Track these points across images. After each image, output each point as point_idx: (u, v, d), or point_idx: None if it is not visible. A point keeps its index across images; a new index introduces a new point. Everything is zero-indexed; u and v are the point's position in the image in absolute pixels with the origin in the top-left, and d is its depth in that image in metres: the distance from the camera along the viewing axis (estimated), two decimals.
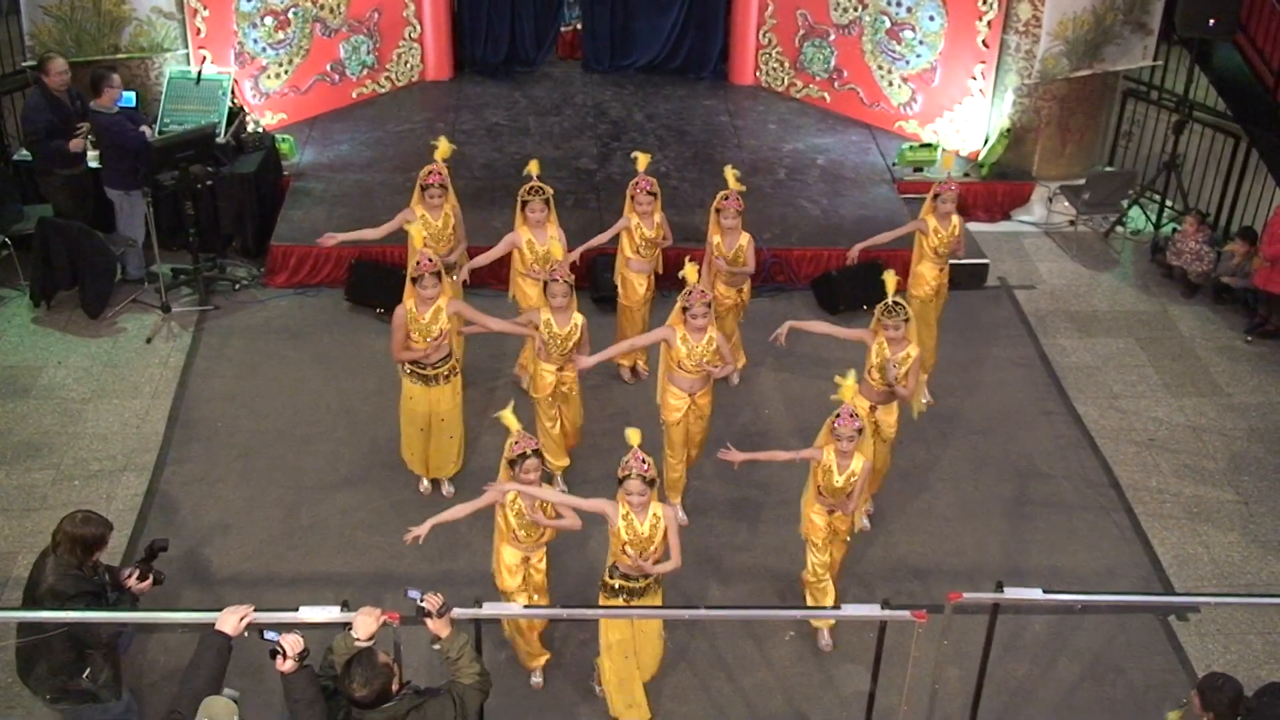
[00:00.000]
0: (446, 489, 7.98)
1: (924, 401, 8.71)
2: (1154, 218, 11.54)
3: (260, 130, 10.91)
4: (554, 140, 11.99)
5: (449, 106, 12.62)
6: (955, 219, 8.41)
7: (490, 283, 9.61)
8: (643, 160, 8.45)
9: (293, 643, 4.72)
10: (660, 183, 8.65)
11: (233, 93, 10.69)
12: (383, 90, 12.70)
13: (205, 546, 7.52)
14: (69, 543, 5.59)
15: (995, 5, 11.20)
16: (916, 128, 12.13)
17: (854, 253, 8.76)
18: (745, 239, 8.31)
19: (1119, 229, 11.50)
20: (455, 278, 8.24)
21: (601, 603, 6.30)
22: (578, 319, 7.43)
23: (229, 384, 8.97)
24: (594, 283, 9.77)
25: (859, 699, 6.18)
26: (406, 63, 12.85)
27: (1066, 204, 11.41)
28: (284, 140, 11.18)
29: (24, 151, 10.17)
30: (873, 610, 5.64)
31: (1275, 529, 8.11)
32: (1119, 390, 9.39)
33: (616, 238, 8.56)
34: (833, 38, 12.44)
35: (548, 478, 6.44)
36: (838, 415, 6.49)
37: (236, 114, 10.63)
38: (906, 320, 7.14)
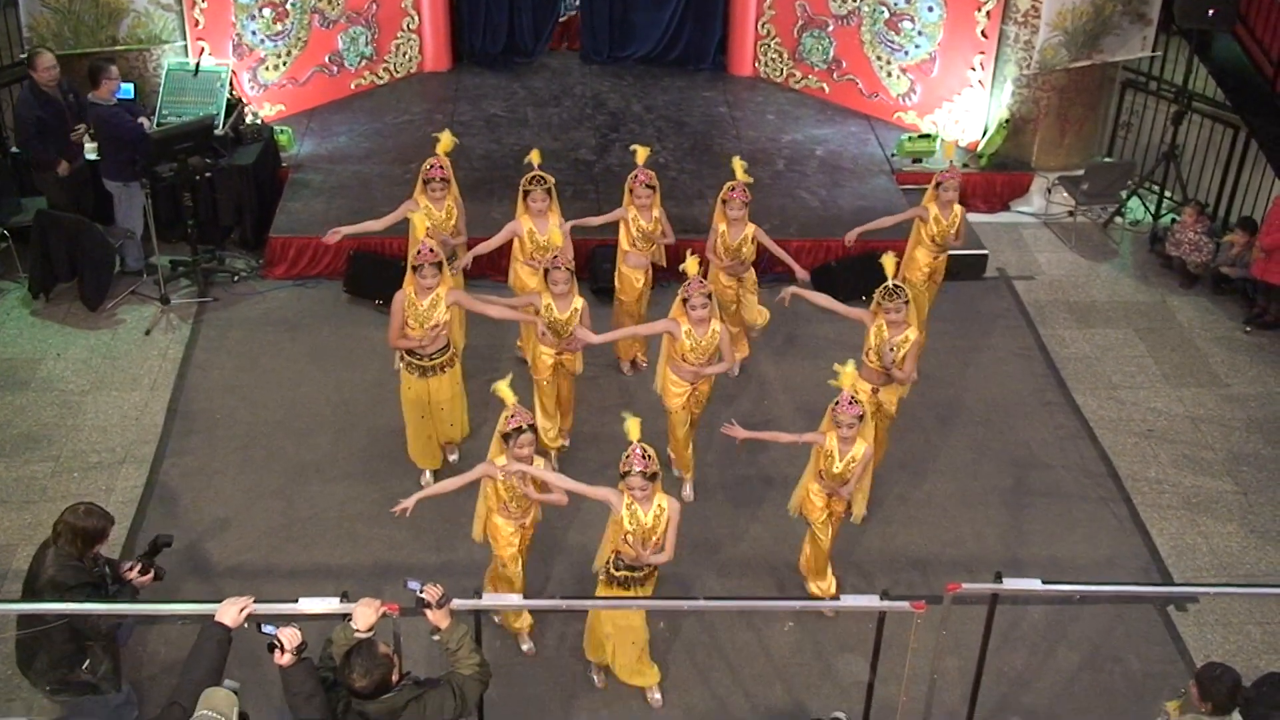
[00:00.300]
0: (452, 456, 8.04)
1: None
2: (1153, 208, 11.54)
3: (259, 122, 10.91)
4: (552, 131, 11.96)
5: (447, 97, 12.60)
6: (957, 208, 8.44)
7: (490, 273, 9.63)
8: (642, 153, 8.43)
9: (290, 636, 4.73)
10: (659, 174, 8.63)
11: (231, 84, 10.67)
12: (381, 81, 12.68)
13: (205, 538, 7.52)
14: (70, 534, 5.61)
15: None
16: (915, 118, 12.12)
17: (851, 236, 8.75)
18: (751, 229, 8.31)
19: (1118, 219, 11.50)
20: (455, 269, 8.24)
21: (600, 593, 6.32)
22: (578, 303, 7.45)
23: (228, 376, 8.97)
24: (593, 273, 9.76)
25: (858, 689, 6.19)
26: (405, 54, 12.82)
27: (1065, 194, 11.39)
28: (282, 132, 11.17)
29: None
30: (872, 601, 5.67)
31: (1274, 519, 8.13)
32: (1118, 381, 9.39)
33: (615, 230, 8.56)
34: (831, 28, 12.42)
35: (541, 454, 6.47)
36: (838, 402, 6.54)
37: (235, 105, 10.62)
38: (906, 303, 7.18)
